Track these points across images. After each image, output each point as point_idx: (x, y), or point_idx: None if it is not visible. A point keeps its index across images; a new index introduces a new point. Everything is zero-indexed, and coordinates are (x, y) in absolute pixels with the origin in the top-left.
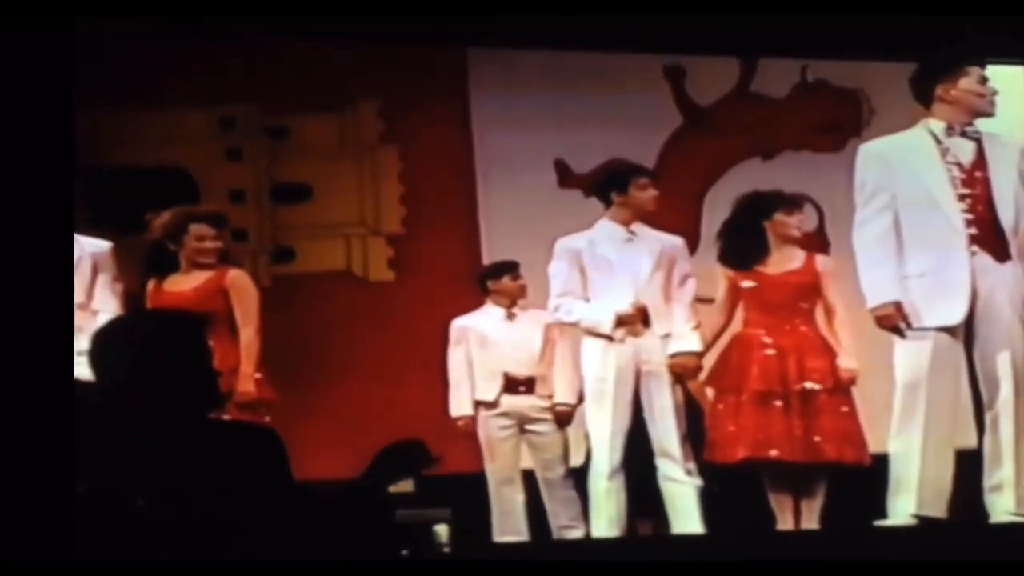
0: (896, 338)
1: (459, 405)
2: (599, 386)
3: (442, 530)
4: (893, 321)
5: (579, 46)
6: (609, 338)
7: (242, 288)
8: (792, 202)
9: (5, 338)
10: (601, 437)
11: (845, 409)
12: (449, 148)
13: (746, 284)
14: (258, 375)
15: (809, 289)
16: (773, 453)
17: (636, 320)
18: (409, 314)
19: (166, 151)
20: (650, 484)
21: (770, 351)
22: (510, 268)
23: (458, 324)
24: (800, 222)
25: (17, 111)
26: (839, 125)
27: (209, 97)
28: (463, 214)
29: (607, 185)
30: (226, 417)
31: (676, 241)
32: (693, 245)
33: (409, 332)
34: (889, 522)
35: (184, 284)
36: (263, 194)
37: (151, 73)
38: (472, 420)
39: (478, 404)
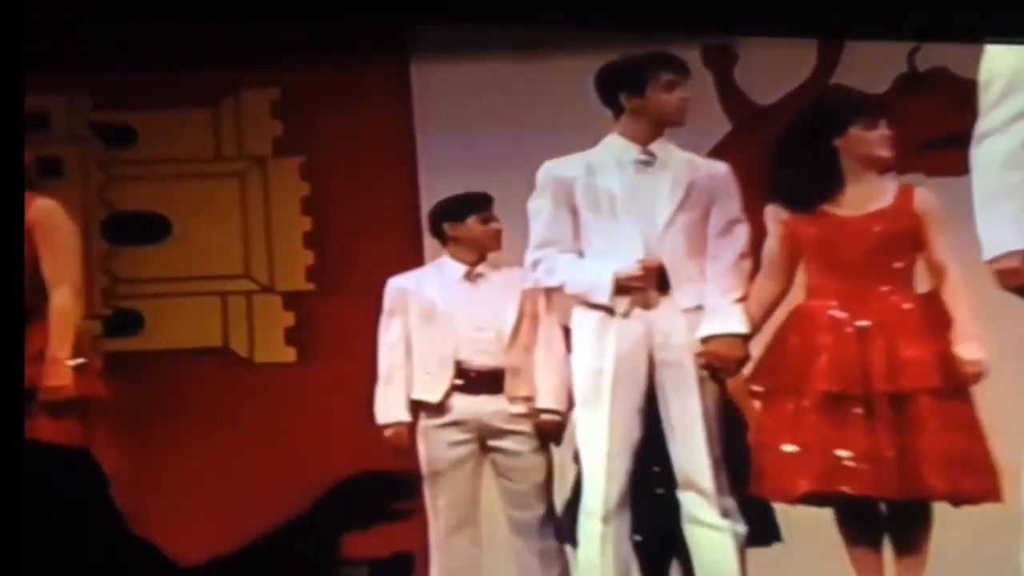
0: None
1: (389, 406)
2: (592, 381)
3: None
4: (1021, 279)
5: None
6: (608, 311)
7: (53, 227)
8: (875, 108)
9: None
10: (595, 459)
11: (962, 420)
12: (380, 158)
13: (809, 232)
14: (80, 360)
15: (904, 239)
16: (847, 487)
17: (646, 284)
18: (316, 413)
19: None
20: (669, 530)
21: (847, 332)
22: (477, 204)
23: (395, 285)
24: (886, 139)
25: None
26: (964, 135)
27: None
28: (400, 255)
29: (616, 83)
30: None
31: (717, 168)
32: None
33: (314, 443)
34: None
35: None
36: (93, 230)
37: None
38: (407, 429)
39: (417, 406)
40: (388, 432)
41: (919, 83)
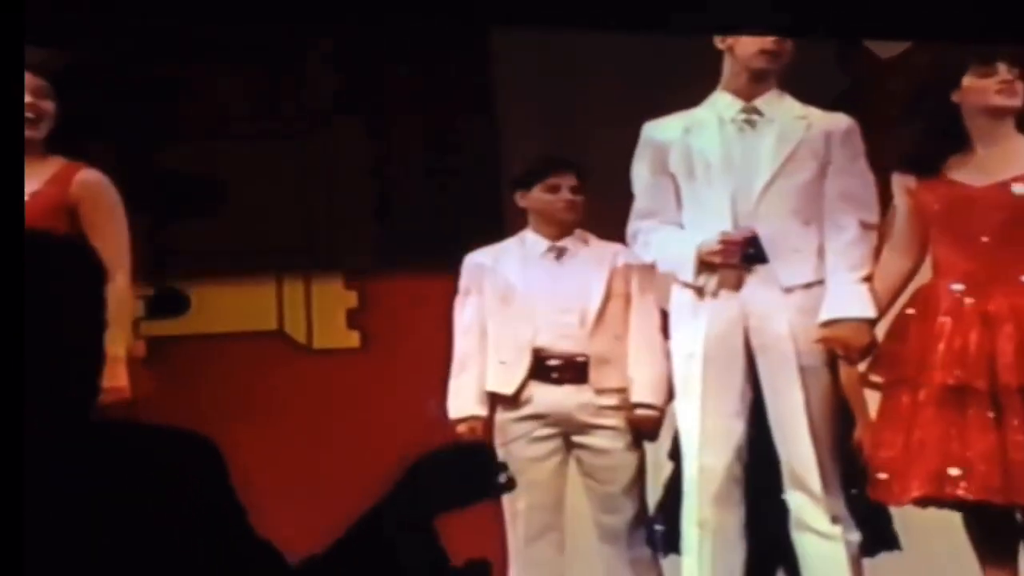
0: None
1: (462, 399)
2: (685, 368)
3: None
4: None
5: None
6: (698, 290)
7: (102, 205)
8: (990, 55)
9: None
10: (689, 454)
11: None
12: (456, 116)
13: (936, 202)
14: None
15: None
16: (964, 492)
17: (728, 260)
18: (380, 405)
19: None
20: (775, 536)
21: (972, 317)
22: (545, 170)
23: (473, 262)
24: (1008, 85)
25: None
26: None
27: None
28: (478, 228)
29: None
30: None
31: (837, 122)
32: None
33: (378, 439)
34: None
35: None
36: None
37: None
38: (483, 424)
39: (493, 398)
40: (461, 428)
41: None
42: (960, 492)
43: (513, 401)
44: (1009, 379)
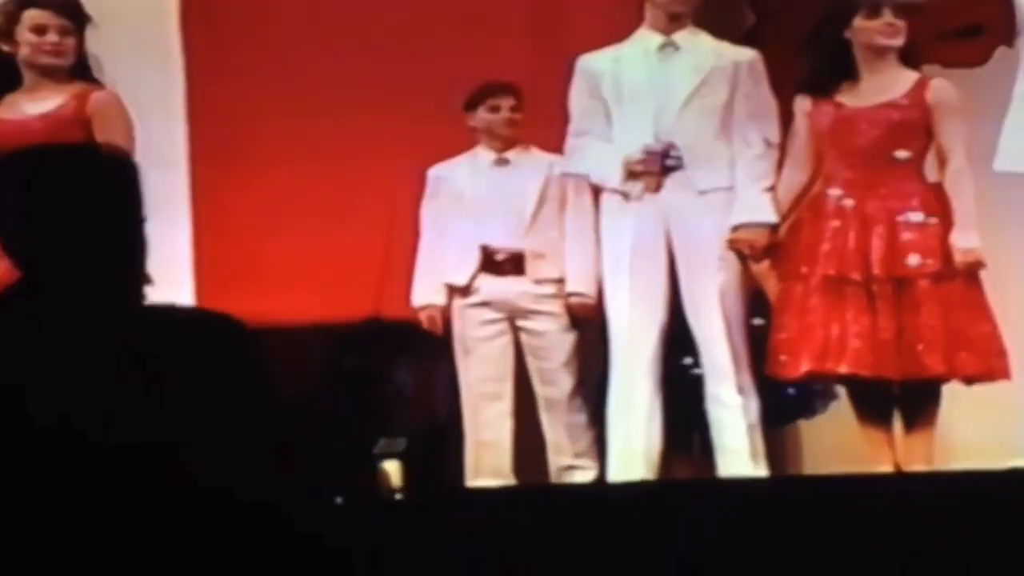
0: None
1: (424, 289)
2: (615, 264)
3: (393, 468)
4: None
5: None
6: (624, 195)
7: (114, 120)
8: (877, 1)
9: None
10: (620, 336)
11: (964, 302)
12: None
13: (826, 122)
14: None
15: (914, 129)
16: (845, 368)
17: (650, 168)
18: None
19: None
20: (693, 407)
21: (850, 218)
22: (489, 92)
23: (433, 174)
24: (890, 27)
25: None
26: (983, 26)
27: None
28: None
29: None
30: None
31: (743, 55)
32: None
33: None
34: None
35: (27, 107)
36: None
37: None
38: (442, 312)
39: (450, 289)
40: (423, 315)
41: None
42: (843, 368)
43: (468, 291)
44: (879, 271)
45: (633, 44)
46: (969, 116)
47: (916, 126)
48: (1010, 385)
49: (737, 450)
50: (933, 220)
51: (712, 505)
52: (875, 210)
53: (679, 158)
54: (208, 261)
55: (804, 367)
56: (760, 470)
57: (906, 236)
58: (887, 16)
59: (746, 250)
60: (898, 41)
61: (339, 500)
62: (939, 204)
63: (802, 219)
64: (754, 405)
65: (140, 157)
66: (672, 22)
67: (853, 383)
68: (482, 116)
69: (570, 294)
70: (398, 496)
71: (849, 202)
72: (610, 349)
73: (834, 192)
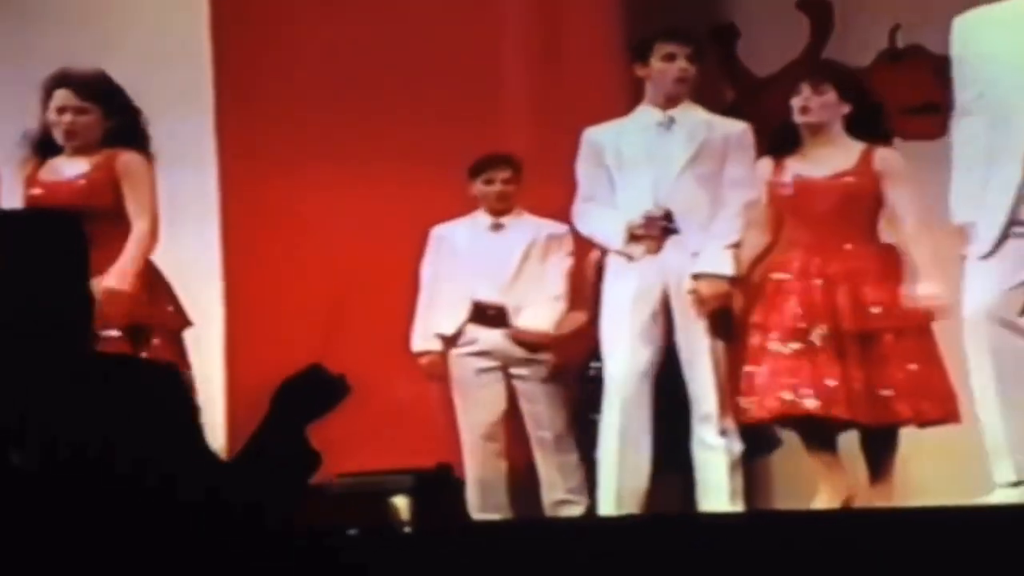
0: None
1: (422, 337)
2: (615, 314)
3: (402, 503)
4: None
5: None
6: (627, 256)
7: (138, 176)
8: (798, 77)
9: None
10: (615, 382)
11: (923, 352)
12: None
13: (786, 191)
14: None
15: (865, 196)
16: (816, 406)
17: (650, 232)
18: None
19: None
20: (683, 449)
21: (815, 281)
22: (485, 166)
23: (436, 232)
24: (812, 101)
25: None
26: (938, 104)
27: None
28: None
29: (633, 52)
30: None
31: (734, 127)
32: None
33: None
34: (994, 497)
35: (64, 170)
36: None
37: None
38: (440, 358)
39: (443, 338)
40: (423, 360)
41: (899, 57)
42: (810, 406)
43: (465, 340)
44: (848, 326)
45: (634, 119)
46: (927, 182)
47: (868, 194)
48: (959, 429)
49: (718, 487)
50: (891, 279)
51: (695, 537)
52: (837, 271)
53: (675, 223)
54: (236, 256)
55: (771, 408)
56: (737, 507)
57: (869, 294)
58: (805, 93)
59: (698, 299)
60: (813, 118)
61: (353, 532)
62: (894, 263)
63: (766, 277)
64: (736, 447)
65: (168, 157)
66: (670, 101)
67: (813, 423)
68: (479, 187)
69: (518, 329)
70: (407, 529)
71: (814, 261)
72: (604, 392)
73: (797, 253)
